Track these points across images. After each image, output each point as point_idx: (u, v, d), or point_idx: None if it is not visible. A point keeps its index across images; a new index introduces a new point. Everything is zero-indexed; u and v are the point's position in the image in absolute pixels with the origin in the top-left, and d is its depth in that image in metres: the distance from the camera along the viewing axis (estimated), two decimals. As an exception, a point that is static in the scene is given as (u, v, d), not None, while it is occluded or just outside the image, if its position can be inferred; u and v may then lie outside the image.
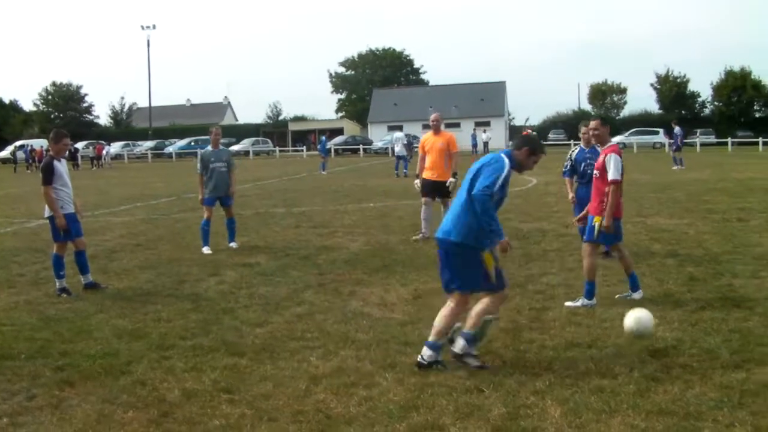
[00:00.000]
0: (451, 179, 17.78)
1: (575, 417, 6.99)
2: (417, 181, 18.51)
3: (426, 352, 8.55)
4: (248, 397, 7.79)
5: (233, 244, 17.64)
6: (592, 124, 12.07)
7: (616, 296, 11.59)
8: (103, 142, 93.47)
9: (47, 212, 13.18)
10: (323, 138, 60.60)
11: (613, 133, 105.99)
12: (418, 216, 18.48)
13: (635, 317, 9.23)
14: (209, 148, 17.92)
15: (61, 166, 13.23)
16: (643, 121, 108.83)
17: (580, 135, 15.07)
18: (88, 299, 12.61)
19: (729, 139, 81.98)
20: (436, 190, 18.06)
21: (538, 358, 8.83)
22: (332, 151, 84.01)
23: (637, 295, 11.47)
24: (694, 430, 6.67)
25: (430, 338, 8.64)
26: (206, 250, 16.93)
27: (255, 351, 9.37)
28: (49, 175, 12.97)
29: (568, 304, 11.24)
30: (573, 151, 15.35)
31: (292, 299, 12.19)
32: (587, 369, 8.34)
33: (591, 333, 9.75)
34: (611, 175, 11.04)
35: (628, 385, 7.78)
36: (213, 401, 7.68)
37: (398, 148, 45.51)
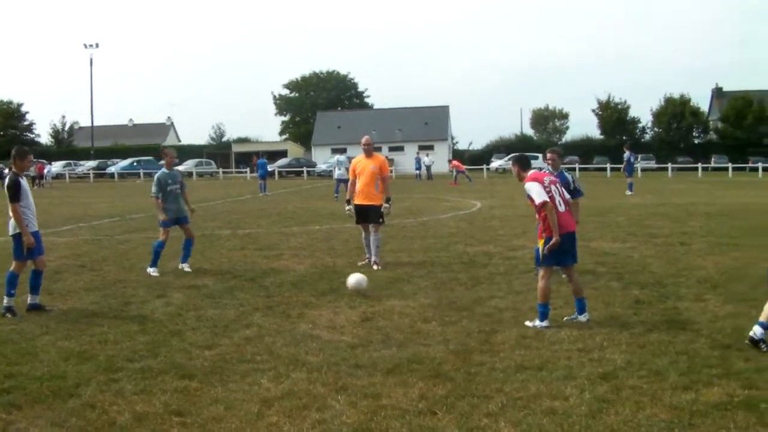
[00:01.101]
0: (385, 205, 17.38)
1: (528, 439, 7.02)
2: (349, 207, 17.95)
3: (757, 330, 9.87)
4: (200, 420, 7.73)
5: (185, 266, 17.46)
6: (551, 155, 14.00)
7: (564, 318, 11.66)
8: (44, 161, 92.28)
9: (12, 230, 13.05)
10: (263, 160, 60.11)
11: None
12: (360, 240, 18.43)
13: (356, 280, 13.67)
14: (164, 170, 17.65)
15: (25, 184, 13.13)
16: (585, 146, 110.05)
17: (547, 161, 15.44)
18: (33, 320, 12.42)
19: (669, 165, 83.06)
20: (367, 216, 17.54)
21: (489, 380, 8.85)
22: (275, 172, 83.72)
23: (583, 318, 11.58)
24: (647, 452, 6.72)
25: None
26: (153, 271, 16.76)
27: (205, 373, 9.30)
28: (16, 192, 12.85)
29: (526, 323, 11.48)
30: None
31: (240, 321, 12.11)
32: (538, 391, 8.39)
33: (541, 355, 9.81)
34: (536, 199, 11.38)
35: (580, 407, 7.84)
36: (164, 424, 7.61)
37: (340, 171, 45.36)
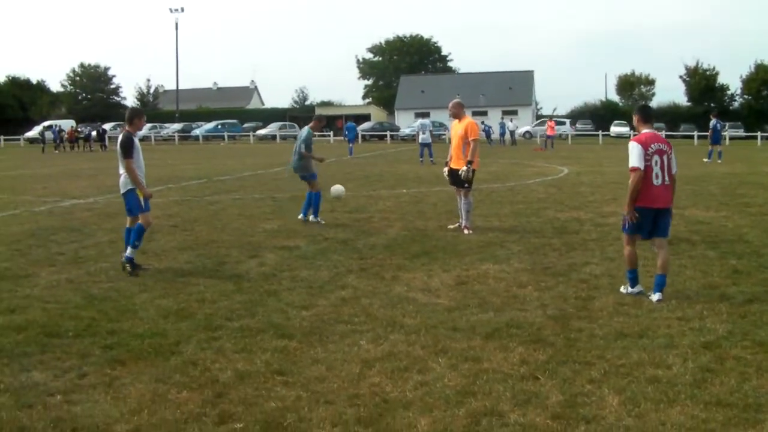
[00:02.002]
0: (464, 168, 17.10)
1: (634, 406, 6.93)
2: (444, 169, 18.03)
3: None
4: (302, 379, 7.76)
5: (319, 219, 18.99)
6: None
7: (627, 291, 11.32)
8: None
9: (123, 187, 13.28)
10: (351, 123, 60.75)
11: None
12: (453, 203, 18.39)
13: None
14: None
15: (137, 143, 13.36)
16: (671, 114, 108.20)
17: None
18: (130, 279, 12.59)
19: (758, 133, 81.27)
20: (456, 179, 17.46)
21: (589, 346, 8.75)
22: (359, 136, 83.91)
23: (654, 297, 10.90)
24: (756, 422, 6.59)
25: None
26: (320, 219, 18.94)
27: (303, 333, 9.35)
28: (129, 149, 13.08)
29: (621, 289, 11.33)
30: None
31: (335, 283, 12.15)
32: (640, 359, 8.27)
33: (640, 323, 9.67)
34: (629, 162, 10.97)
35: (684, 375, 7.72)
36: (267, 383, 7.65)
37: (424, 135, 45.11)
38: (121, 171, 13.27)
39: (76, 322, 9.92)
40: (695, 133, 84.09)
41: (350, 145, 56.23)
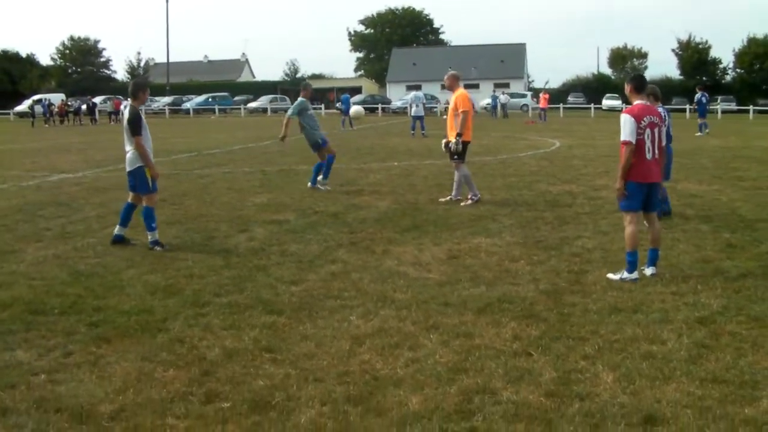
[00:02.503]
0: (451, 140, 17.10)
1: (628, 383, 6.81)
2: (443, 141, 17.83)
3: None
4: (291, 356, 7.62)
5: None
6: None
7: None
8: (120, 96, 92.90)
9: (130, 165, 12.98)
10: (346, 95, 60.85)
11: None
12: (443, 176, 18.24)
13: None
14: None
15: (143, 117, 13.06)
16: (664, 86, 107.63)
17: None
18: (117, 254, 12.44)
19: (750, 107, 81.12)
20: (448, 151, 17.49)
21: (583, 321, 8.63)
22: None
23: (648, 271, 10.75)
24: (752, 399, 6.47)
25: None
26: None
27: (293, 309, 9.21)
28: (138, 125, 12.77)
29: (609, 276, 10.68)
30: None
31: (324, 257, 12.01)
32: (635, 334, 8.15)
33: (634, 298, 9.55)
34: (621, 136, 10.59)
35: (679, 351, 7.60)
36: (255, 360, 7.51)
37: (416, 108, 44.88)
38: (128, 148, 12.98)
39: (61, 299, 9.77)
40: (687, 107, 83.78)
41: (345, 117, 55.78)
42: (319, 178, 19.80)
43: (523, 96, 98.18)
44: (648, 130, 10.60)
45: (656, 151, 10.69)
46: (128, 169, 13.04)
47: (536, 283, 10.26)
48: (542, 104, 67.99)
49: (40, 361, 7.62)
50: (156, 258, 12.12)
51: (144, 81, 13.45)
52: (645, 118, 10.60)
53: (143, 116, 13.05)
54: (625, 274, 10.55)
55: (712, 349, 7.68)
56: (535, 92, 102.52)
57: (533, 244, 12.76)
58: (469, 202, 16.97)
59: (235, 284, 10.42)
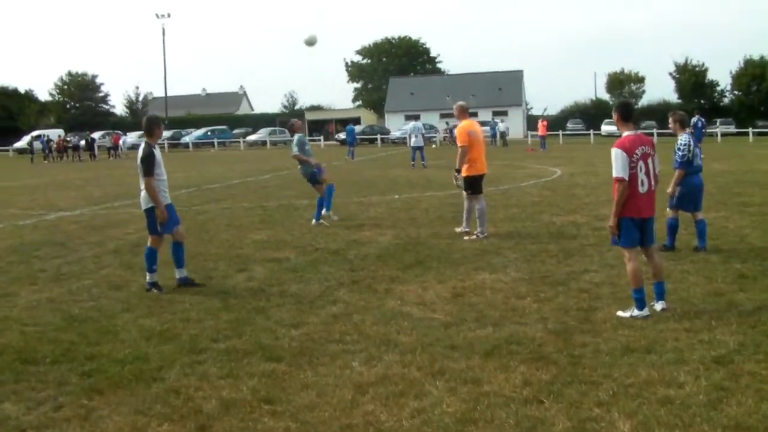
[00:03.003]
0: (454, 173, 16.97)
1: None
2: None
3: None
4: (291, 408, 7.28)
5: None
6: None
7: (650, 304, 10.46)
8: (119, 131, 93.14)
9: (144, 204, 12.62)
10: (351, 126, 61.45)
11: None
12: (445, 208, 17.95)
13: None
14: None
15: (158, 154, 12.64)
16: (662, 110, 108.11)
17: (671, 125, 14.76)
18: (112, 297, 12.15)
19: (750, 129, 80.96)
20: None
21: (595, 363, 8.29)
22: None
23: (658, 306, 10.38)
24: (779, 447, 6.15)
25: None
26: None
27: (293, 355, 8.89)
28: (151, 165, 12.37)
29: (619, 313, 10.26)
30: (683, 140, 14.32)
31: (325, 297, 11.70)
32: (650, 377, 7.81)
33: (646, 336, 9.21)
34: (613, 172, 10.17)
35: (698, 395, 7.25)
36: (254, 413, 7.18)
37: (415, 139, 44.53)
38: (142, 186, 12.61)
39: (54, 347, 9.48)
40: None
41: (350, 148, 56.95)
42: (323, 212, 19.54)
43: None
44: (641, 163, 10.17)
45: (652, 183, 10.29)
46: (143, 207, 12.72)
47: (544, 322, 9.92)
48: (541, 131, 67.35)
49: (29, 416, 7.34)
50: (152, 301, 11.82)
51: (157, 117, 13.06)
52: (637, 151, 10.17)
53: (158, 152, 12.62)
54: (635, 311, 10.16)
55: (732, 392, 7.34)
56: (530, 120, 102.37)
57: (539, 280, 12.43)
58: (474, 237, 16.61)
59: (233, 328, 10.09)
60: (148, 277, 12.58)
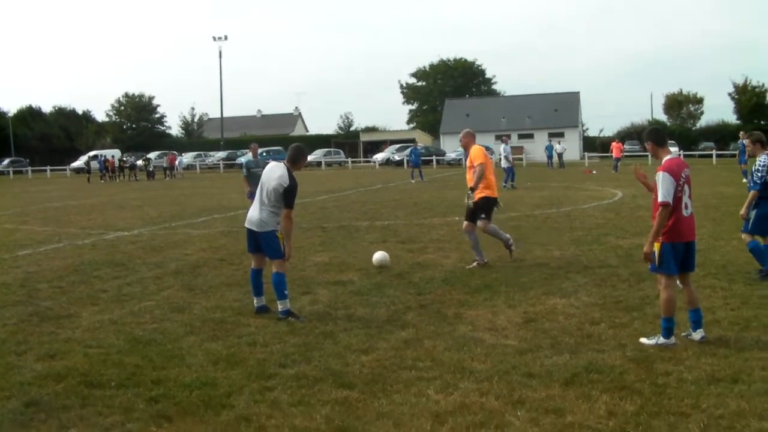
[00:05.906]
0: (468, 192, 16.20)
1: (745, 469, 6.13)
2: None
3: None
4: (368, 438, 6.99)
5: None
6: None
7: (681, 335, 10.19)
8: (175, 152, 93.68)
9: (261, 227, 11.94)
10: (416, 148, 61.66)
11: (687, 145, 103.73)
12: (506, 230, 17.43)
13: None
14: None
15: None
16: (720, 132, 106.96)
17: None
18: (175, 319, 11.95)
19: (811, 151, 79.60)
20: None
21: (680, 393, 7.93)
22: (403, 161, 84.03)
23: (697, 335, 10.00)
24: None
25: None
26: None
27: (365, 382, 8.60)
28: (293, 198, 11.91)
29: (643, 340, 9.97)
30: (762, 160, 13.76)
31: (394, 322, 11.40)
32: (740, 408, 7.45)
33: (731, 364, 8.83)
34: (659, 197, 9.76)
35: (793, 429, 6.88)
36: (329, 443, 6.90)
37: (505, 162, 43.49)
38: (262, 208, 11.96)
39: (119, 370, 9.29)
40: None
41: (416, 169, 57.29)
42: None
43: (672, 145, 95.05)
44: (686, 186, 9.90)
45: (691, 205, 9.98)
46: (257, 230, 12.03)
47: (623, 349, 9.56)
48: (615, 153, 66.15)
49: (97, 444, 7.09)
50: (216, 324, 11.59)
51: (305, 147, 12.47)
52: (683, 174, 9.89)
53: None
54: (662, 339, 9.85)
55: (829, 426, 6.96)
56: (587, 142, 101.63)
57: (612, 305, 12.05)
58: (474, 265, 15.99)
59: (302, 353, 9.83)
60: (280, 306, 11.93)
